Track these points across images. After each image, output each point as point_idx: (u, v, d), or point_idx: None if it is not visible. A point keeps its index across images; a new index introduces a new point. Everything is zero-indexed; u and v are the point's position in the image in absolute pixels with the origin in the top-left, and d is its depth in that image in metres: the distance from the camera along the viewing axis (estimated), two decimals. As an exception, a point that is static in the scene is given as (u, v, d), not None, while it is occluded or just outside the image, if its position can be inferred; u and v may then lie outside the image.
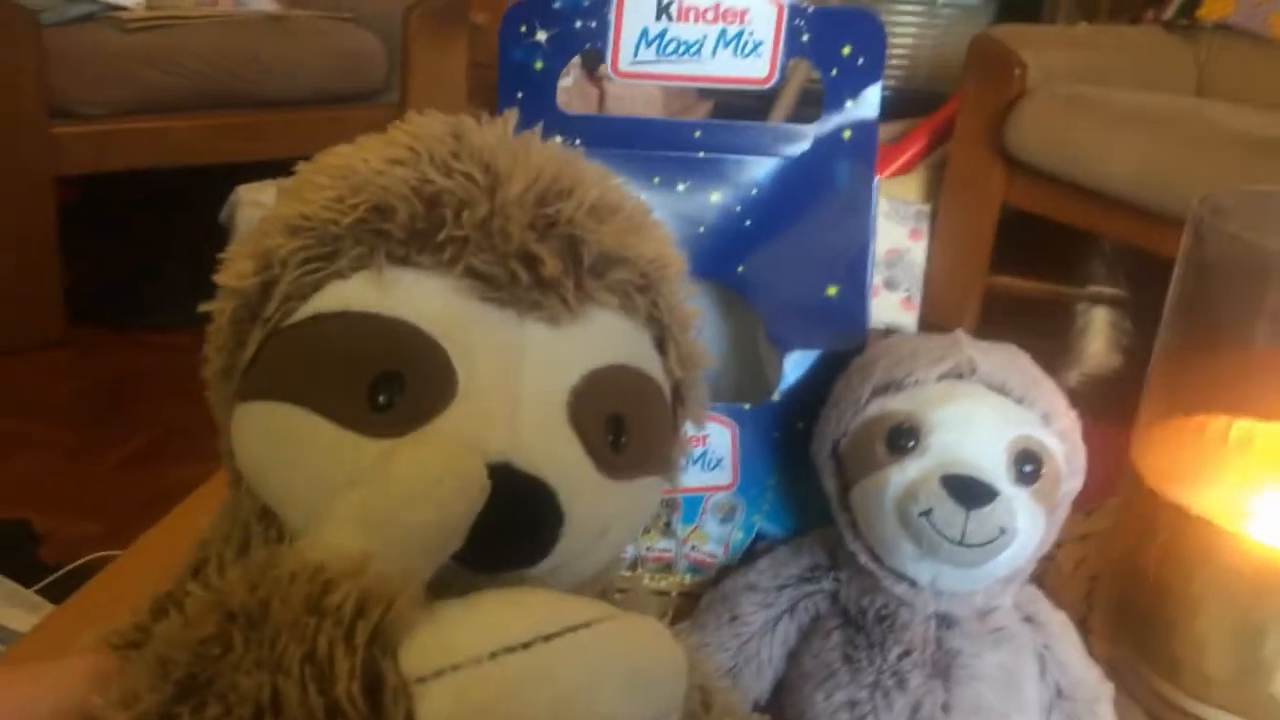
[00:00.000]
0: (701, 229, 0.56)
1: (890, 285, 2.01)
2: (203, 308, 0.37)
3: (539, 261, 0.34)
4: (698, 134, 0.55)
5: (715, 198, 0.56)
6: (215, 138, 1.89)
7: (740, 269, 0.56)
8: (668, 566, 0.59)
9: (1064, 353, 2.12)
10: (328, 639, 0.26)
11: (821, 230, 0.56)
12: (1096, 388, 1.99)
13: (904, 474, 0.48)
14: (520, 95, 0.53)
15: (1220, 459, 0.59)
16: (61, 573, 0.84)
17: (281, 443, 0.34)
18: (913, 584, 0.50)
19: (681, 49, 0.53)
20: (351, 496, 0.29)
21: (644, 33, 0.53)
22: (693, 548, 0.58)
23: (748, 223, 0.56)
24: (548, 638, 0.27)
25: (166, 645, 0.27)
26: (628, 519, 0.39)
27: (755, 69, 0.54)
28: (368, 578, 0.27)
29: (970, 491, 0.46)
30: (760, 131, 0.55)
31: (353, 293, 0.34)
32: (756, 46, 0.54)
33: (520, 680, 0.26)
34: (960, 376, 0.50)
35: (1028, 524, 0.47)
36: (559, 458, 0.34)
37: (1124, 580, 0.61)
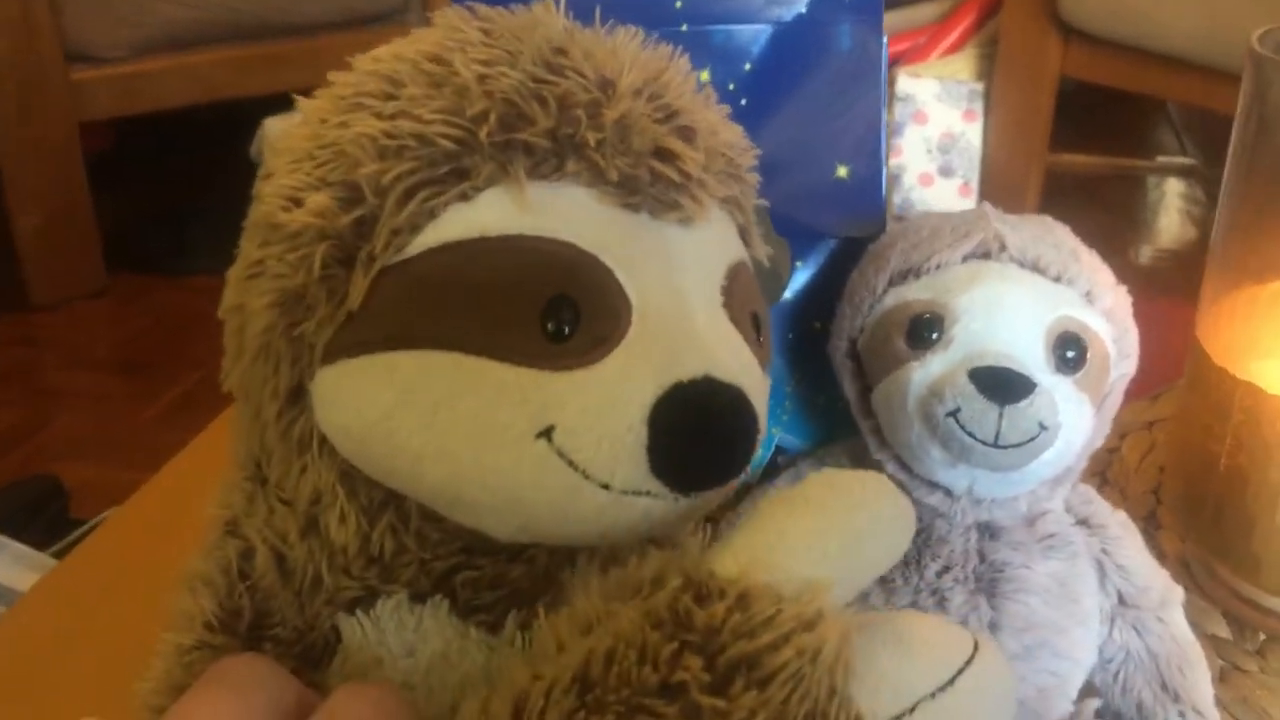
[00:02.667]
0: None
1: (945, 172, 1.93)
2: (243, 269, 0.32)
3: (677, 157, 0.32)
4: (679, 3, 0.49)
5: (704, 76, 0.50)
6: (239, 71, 1.84)
7: (739, 155, 0.50)
8: (682, 488, 0.54)
9: (1135, 229, 2.03)
10: (826, 688, 0.25)
11: (825, 104, 0.50)
12: (1171, 263, 1.90)
13: (927, 370, 0.42)
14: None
15: (1298, 330, 0.53)
16: (84, 529, 0.82)
17: (427, 394, 0.30)
18: (947, 493, 0.44)
19: None
20: (801, 522, 0.28)
21: None
22: (707, 466, 0.53)
23: (743, 101, 0.50)
24: (960, 671, 0.27)
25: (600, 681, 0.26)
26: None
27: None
28: (840, 617, 0.27)
29: (1003, 385, 0.40)
30: (749, -4, 0.49)
31: (487, 215, 0.30)
32: None
33: (955, 717, 0.27)
34: (987, 255, 0.44)
35: (1072, 418, 0.42)
36: (743, 362, 0.33)
37: (1194, 471, 0.55)
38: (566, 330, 0.30)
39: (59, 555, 0.77)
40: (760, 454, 0.53)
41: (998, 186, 1.93)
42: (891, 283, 0.45)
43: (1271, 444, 0.50)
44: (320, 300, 0.31)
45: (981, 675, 0.27)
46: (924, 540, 0.45)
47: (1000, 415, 0.40)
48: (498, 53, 0.31)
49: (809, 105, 0.50)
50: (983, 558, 0.45)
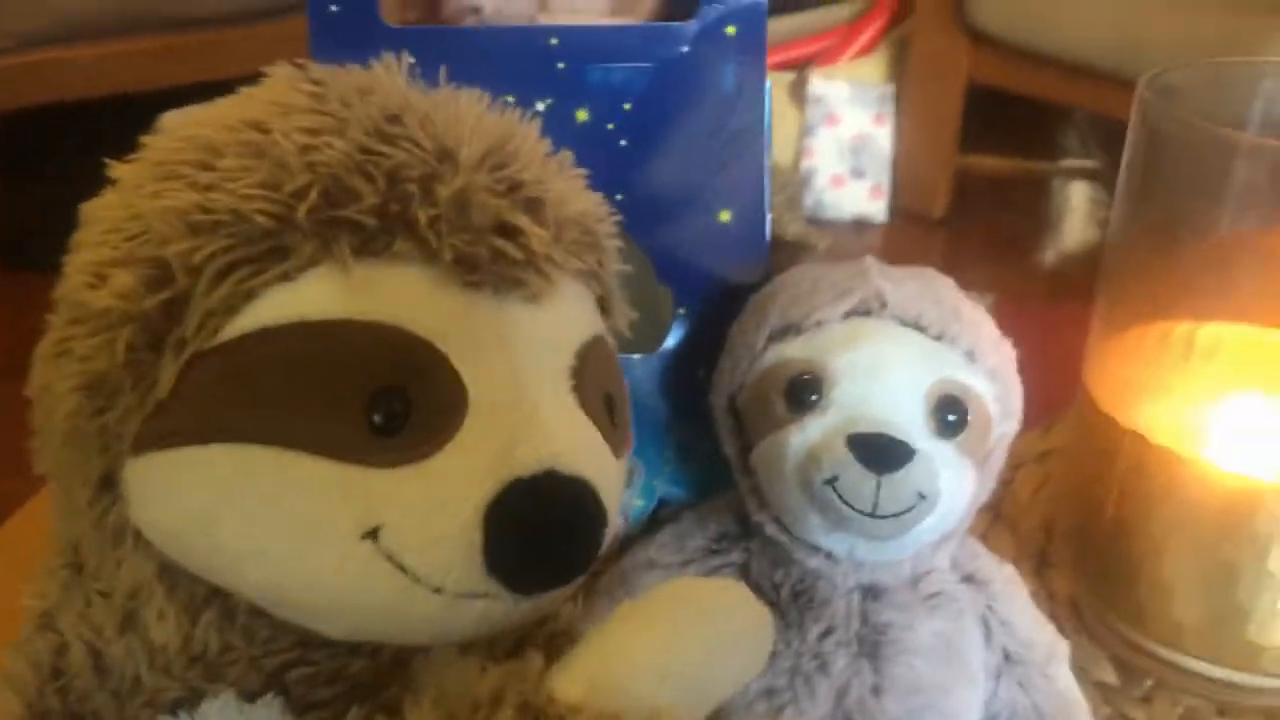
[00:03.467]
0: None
1: (857, 174, 1.93)
2: (51, 346, 0.30)
3: (521, 233, 0.30)
4: (554, 41, 0.47)
5: (582, 116, 0.48)
6: (134, 64, 1.78)
7: (619, 197, 0.48)
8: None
9: (1042, 231, 2.05)
10: None
11: (707, 146, 0.48)
12: (1079, 267, 1.91)
13: (805, 435, 0.41)
14: (334, 8, 0.45)
15: (1185, 372, 0.52)
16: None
17: (244, 492, 0.28)
18: (829, 556, 0.43)
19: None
20: (648, 639, 0.27)
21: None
22: (587, 520, 0.51)
23: (622, 142, 0.48)
24: None
25: None
26: (621, 501, 0.35)
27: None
28: None
29: (881, 453, 0.39)
30: (628, 34, 0.47)
31: (310, 298, 0.28)
32: None
33: None
34: (868, 313, 0.42)
35: (953, 484, 0.40)
36: (590, 452, 0.31)
37: (1082, 516, 0.55)
38: (395, 423, 0.28)
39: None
40: (642, 505, 0.52)
41: (909, 188, 1.94)
42: (771, 339, 0.43)
43: (1157, 495, 0.49)
44: (125, 387, 0.28)
45: None
46: (805, 602, 0.44)
47: (879, 485, 0.39)
48: (326, 120, 0.29)
49: (691, 147, 0.48)
50: (865, 619, 0.43)
